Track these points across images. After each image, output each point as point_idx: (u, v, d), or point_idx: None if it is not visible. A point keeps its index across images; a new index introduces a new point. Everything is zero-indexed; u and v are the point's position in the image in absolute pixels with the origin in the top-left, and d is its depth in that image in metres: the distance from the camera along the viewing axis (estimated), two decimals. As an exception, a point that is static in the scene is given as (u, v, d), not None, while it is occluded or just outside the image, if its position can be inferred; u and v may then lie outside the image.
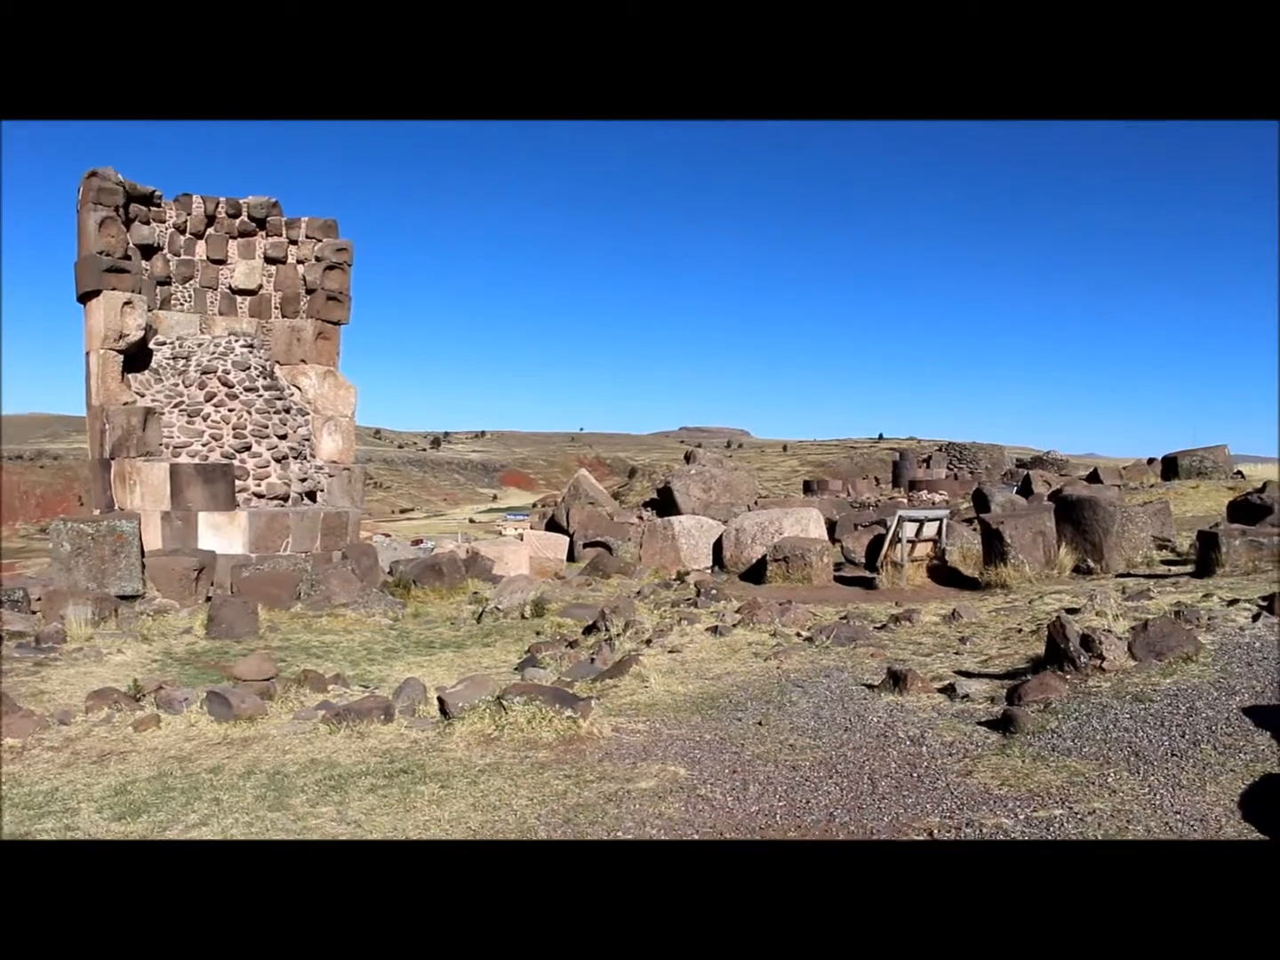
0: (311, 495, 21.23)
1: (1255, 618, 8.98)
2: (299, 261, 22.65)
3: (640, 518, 27.72)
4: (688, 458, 39.32)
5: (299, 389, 22.34)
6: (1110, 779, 5.92)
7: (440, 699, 8.59)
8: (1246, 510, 17.16)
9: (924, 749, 6.92)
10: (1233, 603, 10.04)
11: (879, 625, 11.79)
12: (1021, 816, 5.53)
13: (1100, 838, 5.11)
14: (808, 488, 47.02)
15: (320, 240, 22.60)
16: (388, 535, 42.67)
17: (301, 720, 8.61)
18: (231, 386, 20.46)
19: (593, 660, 11.01)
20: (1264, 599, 9.57)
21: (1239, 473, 32.93)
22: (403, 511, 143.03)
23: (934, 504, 32.33)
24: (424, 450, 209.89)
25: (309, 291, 22.58)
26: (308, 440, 21.70)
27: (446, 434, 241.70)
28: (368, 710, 8.45)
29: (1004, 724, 7.07)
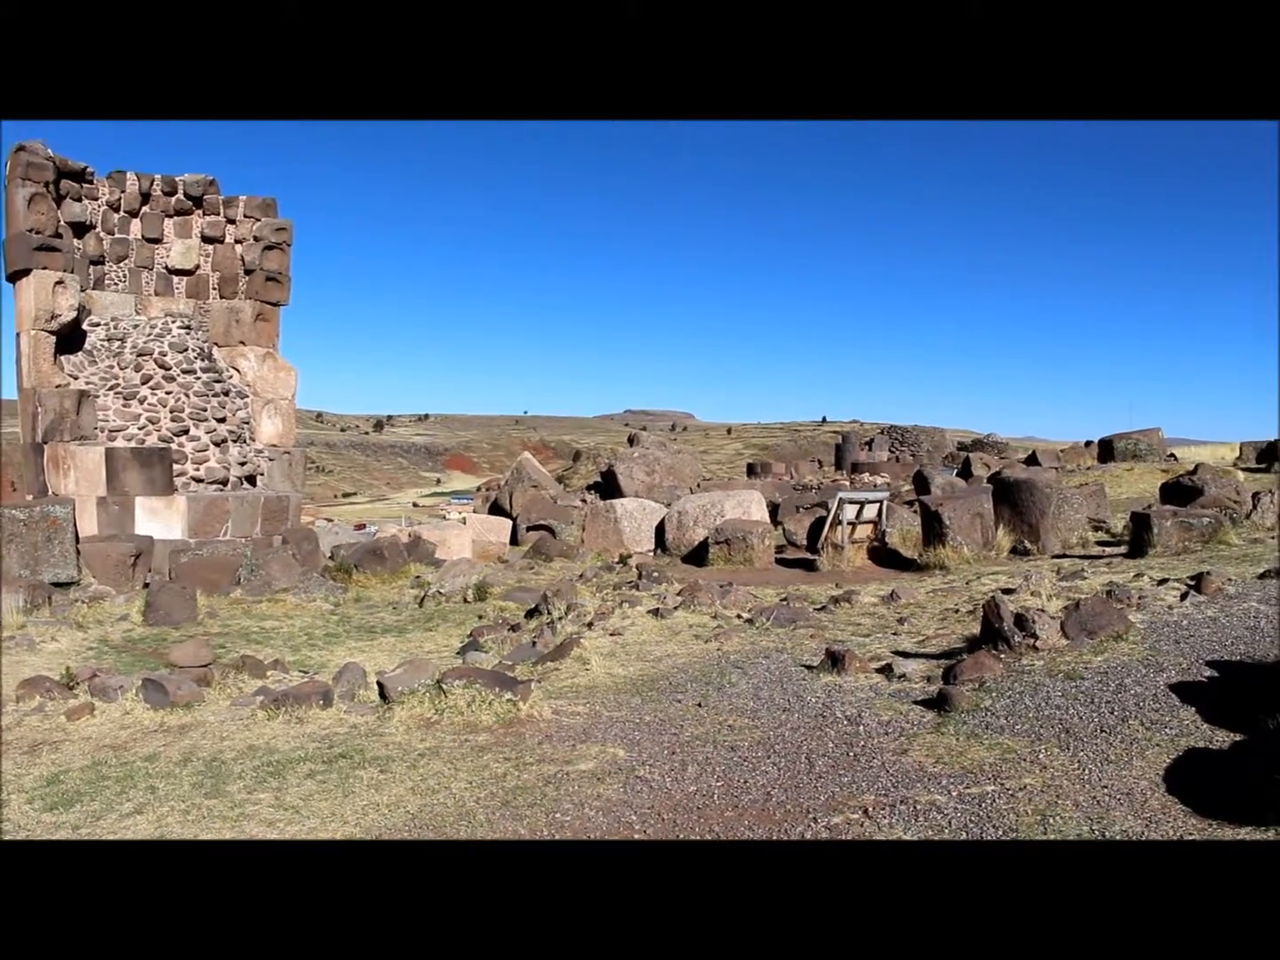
0: (251, 479, 21.01)
1: (1183, 597, 9.17)
2: (237, 241, 22.33)
3: (584, 501, 27.71)
4: (631, 441, 39.35)
5: (238, 371, 22.07)
6: (1041, 755, 6.03)
7: (380, 683, 8.56)
8: (1178, 492, 17.47)
9: (861, 728, 7.00)
10: (1162, 582, 10.24)
11: (819, 607, 11.89)
12: (955, 793, 5.61)
13: (1030, 812, 5.21)
14: (751, 470, 47.19)
15: (259, 219, 22.30)
16: (330, 520, 42.36)
17: (240, 706, 8.55)
18: (169, 369, 20.16)
19: (534, 643, 11.02)
20: (1192, 578, 9.76)
21: (1172, 455, 33.49)
22: (345, 496, 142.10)
23: (875, 486, 32.59)
24: (367, 434, 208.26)
25: (248, 272, 22.28)
26: (247, 423, 21.45)
27: (390, 417, 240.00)
28: (307, 695, 8.41)
29: (939, 703, 7.17)
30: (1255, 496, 15.28)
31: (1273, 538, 13.59)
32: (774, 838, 5.29)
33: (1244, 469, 26.81)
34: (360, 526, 36.80)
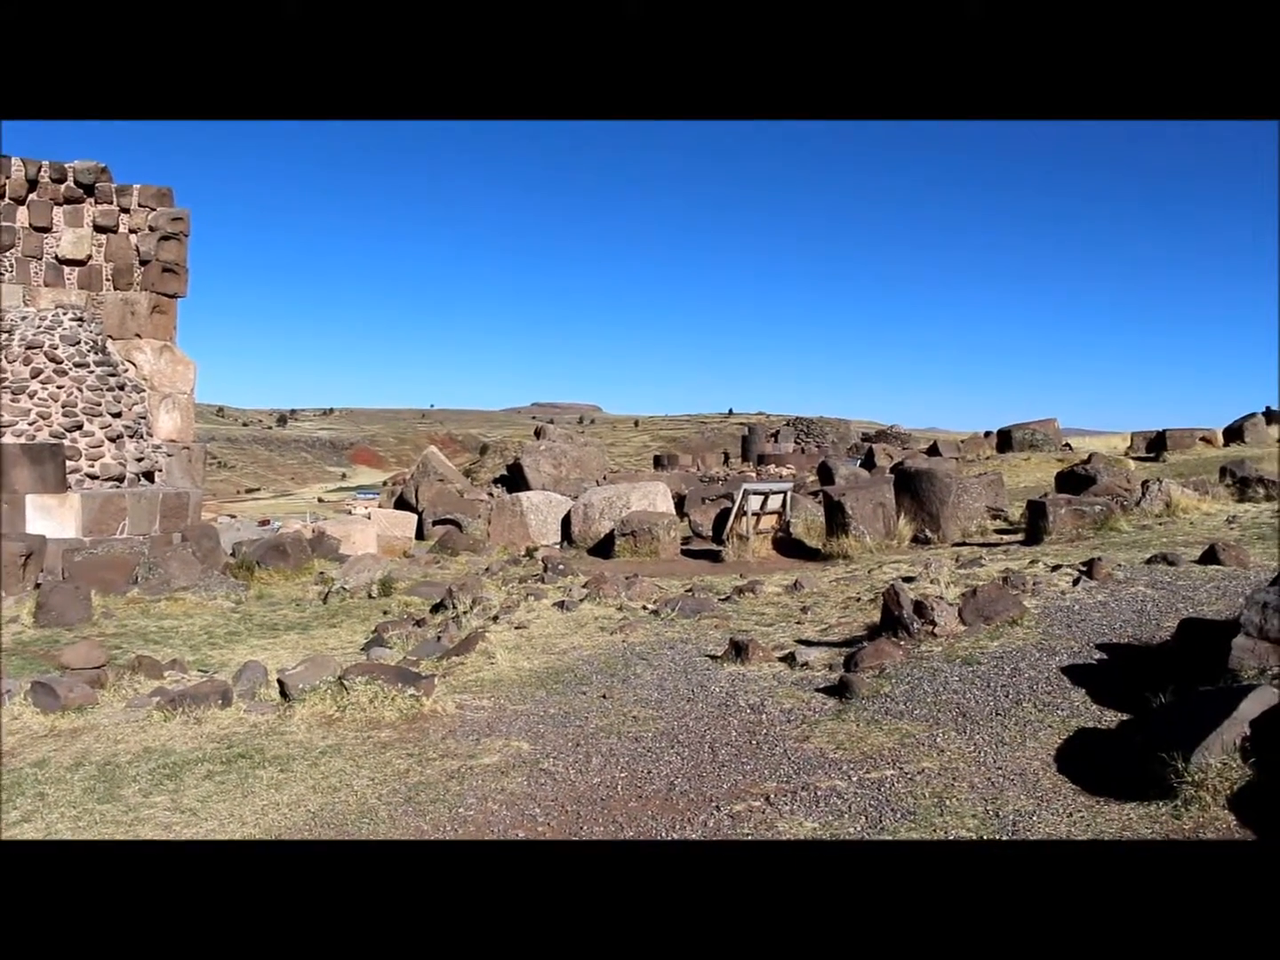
0: (149, 476, 20.50)
1: (1076, 582, 9.40)
2: (132, 231, 21.76)
3: (490, 495, 27.55)
4: (538, 434, 39.22)
5: (134, 365, 21.53)
6: (939, 739, 6.15)
7: (280, 681, 8.44)
8: (1073, 481, 17.90)
9: (764, 716, 7.07)
10: (1056, 568, 10.49)
11: (723, 597, 11.97)
12: (855, 778, 5.70)
13: (927, 795, 5.31)
14: (658, 463, 47.37)
15: (154, 209, 21.76)
16: (233, 516, 41.56)
17: (135, 708, 8.36)
18: (60, 362, 19.58)
19: (439, 638, 10.95)
20: (1084, 564, 10.02)
21: (1067, 445, 34.32)
22: (248, 491, 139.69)
23: (781, 478, 32.90)
24: (270, 428, 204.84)
25: (143, 263, 21.74)
26: (144, 418, 20.93)
27: (293, 411, 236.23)
28: (205, 695, 8.25)
29: (841, 690, 7.27)
30: (1144, 485, 15.70)
31: (1160, 524, 13.99)
32: (677, 826, 5.33)
33: (1135, 458, 27.60)
34: (264, 523, 36.16)
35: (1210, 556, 9.89)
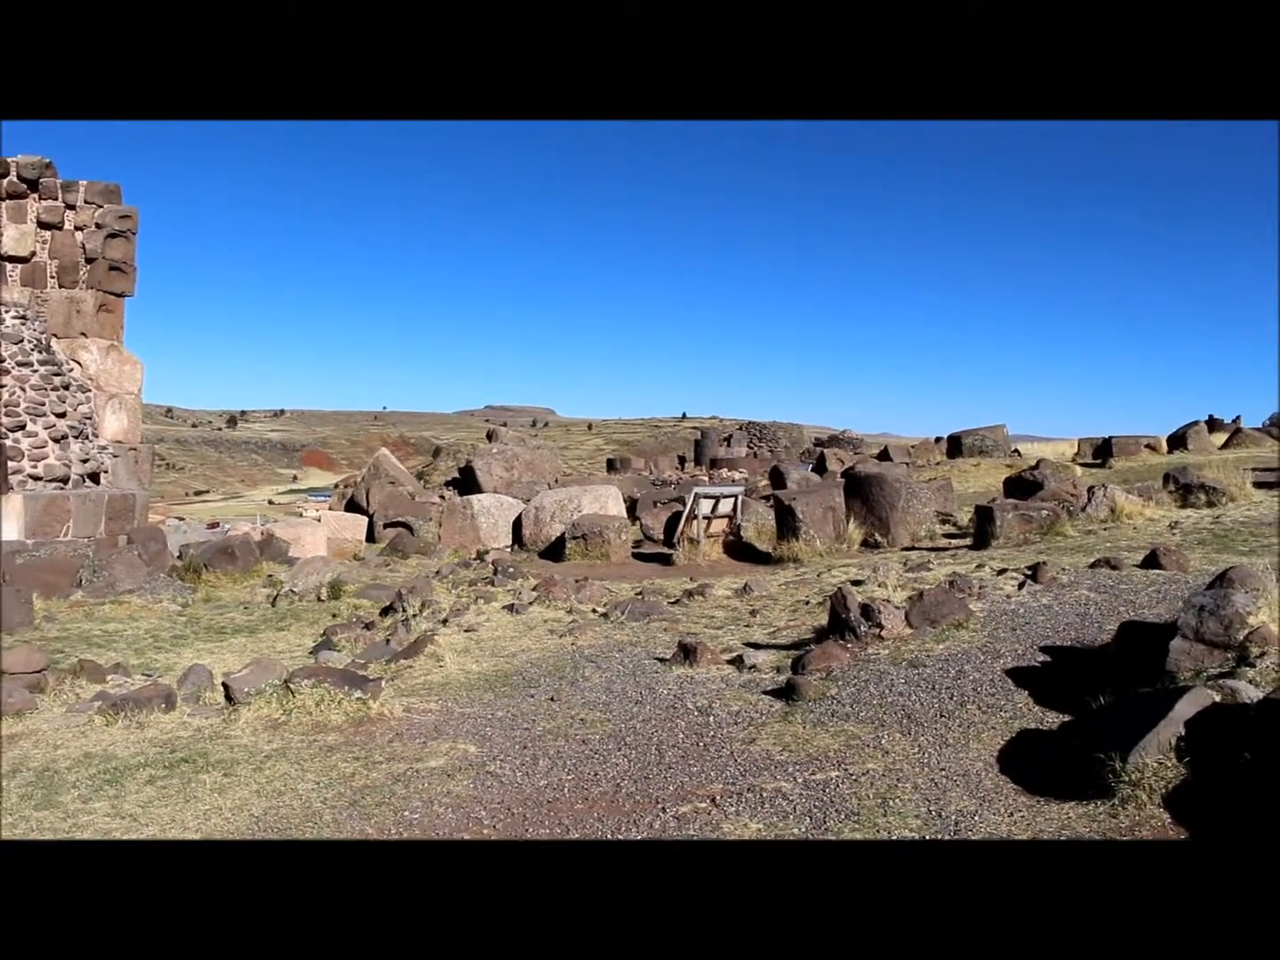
0: (95, 477, 20.22)
1: (1021, 586, 9.51)
2: (78, 228, 21.42)
3: (442, 497, 27.43)
4: (490, 436, 39.14)
5: (79, 364, 21.20)
6: (884, 741, 6.20)
7: (226, 684, 8.35)
8: (1021, 486, 18.09)
9: (711, 719, 7.09)
10: (1002, 572, 10.61)
11: (673, 600, 11.99)
12: (800, 780, 5.73)
13: (871, 796, 5.35)
14: (611, 466, 47.36)
15: (101, 206, 21.42)
16: (181, 519, 41.09)
17: (76, 713, 8.24)
18: (2, 361, 19.28)
19: (388, 641, 10.90)
20: (1030, 568, 10.13)
21: (1016, 451, 34.76)
22: (198, 494, 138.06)
23: (734, 482, 33.01)
24: (220, 429, 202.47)
25: (89, 260, 21.40)
26: (89, 419, 20.63)
27: (244, 412, 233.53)
28: (148, 699, 8.14)
29: (788, 692, 7.30)
30: (1090, 490, 15.91)
31: (1105, 529, 14.18)
32: (623, 828, 5.33)
33: (1082, 464, 27.94)
34: (213, 525, 35.77)
35: (1152, 561, 10.04)
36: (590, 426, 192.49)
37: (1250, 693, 5.11)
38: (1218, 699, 5.08)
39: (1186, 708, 4.95)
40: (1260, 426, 31.82)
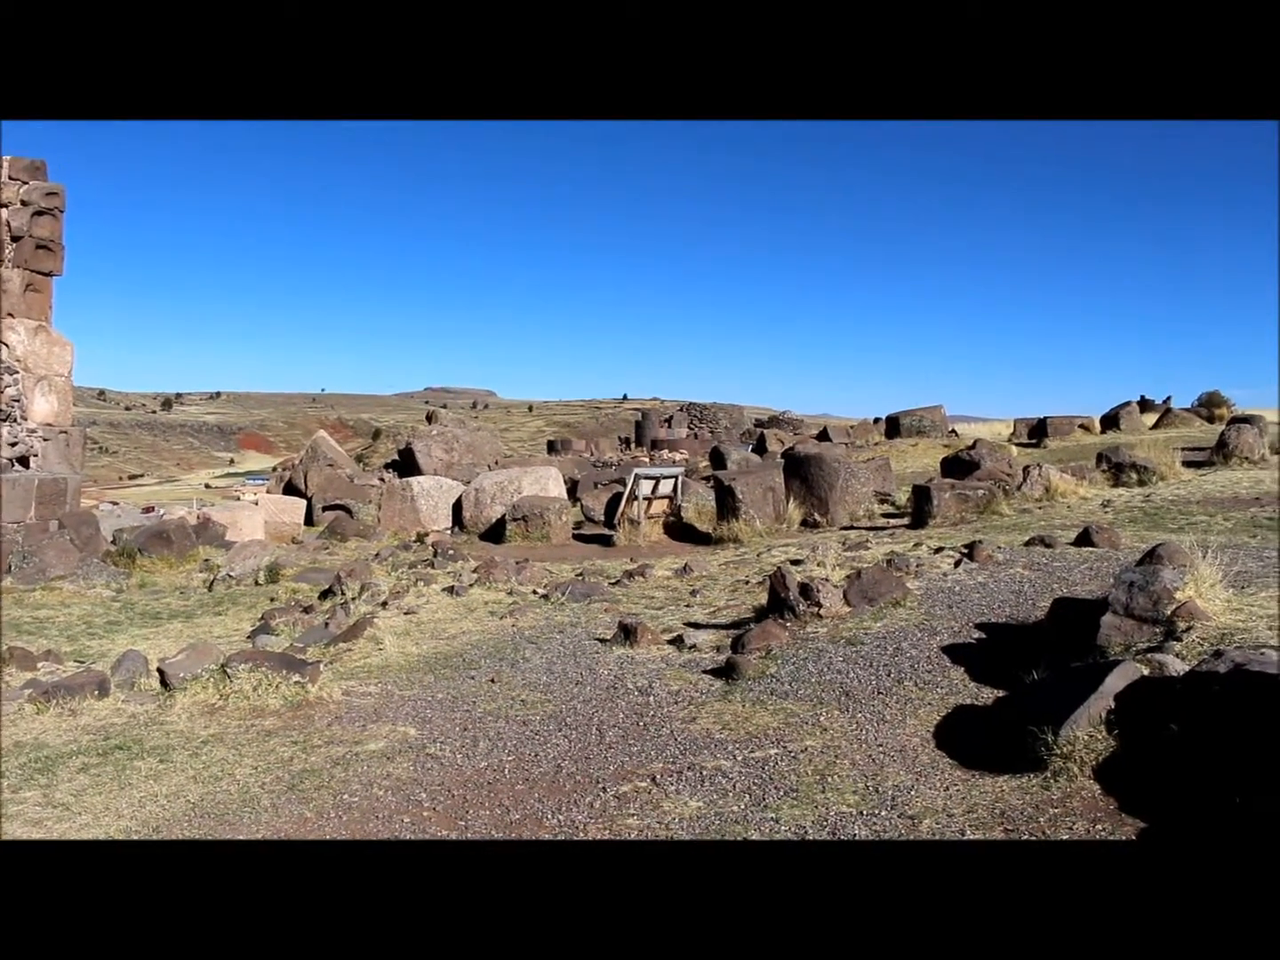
0: (24, 461, 19.81)
1: (957, 564, 9.64)
2: (2, 205, 20.92)
3: (381, 480, 27.24)
4: (430, 419, 38.91)
5: (6, 346, 20.71)
6: (822, 718, 6.25)
7: (161, 670, 8.25)
8: (957, 466, 18.31)
9: (651, 699, 7.12)
10: (939, 550, 10.74)
11: (614, 581, 12.01)
12: (740, 758, 5.77)
13: (810, 773, 5.40)
14: (551, 448, 47.32)
15: (26, 183, 20.89)
16: (115, 503, 40.43)
17: (5, 701, 8.07)
18: (-75, 343, 18.83)
19: (327, 625, 10.82)
20: (966, 547, 10.27)
21: (953, 431, 35.13)
22: (132, 478, 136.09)
23: (675, 463, 33.11)
24: (154, 412, 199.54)
25: (15, 239, 20.87)
26: (17, 401, 20.19)
27: (179, 395, 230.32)
28: (80, 686, 8.01)
29: (727, 671, 7.35)
30: (1026, 470, 16.15)
31: (1040, 508, 14.41)
32: (563, 808, 5.34)
33: (1018, 444, 28.34)
34: (148, 509, 35.27)
35: (1085, 539, 10.22)
36: (531, 408, 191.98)
37: (1177, 666, 5.22)
38: (1146, 672, 5.19)
39: (1116, 681, 5.04)
40: (1189, 407, 32.49)
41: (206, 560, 17.24)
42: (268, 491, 30.00)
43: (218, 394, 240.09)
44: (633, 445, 49.71)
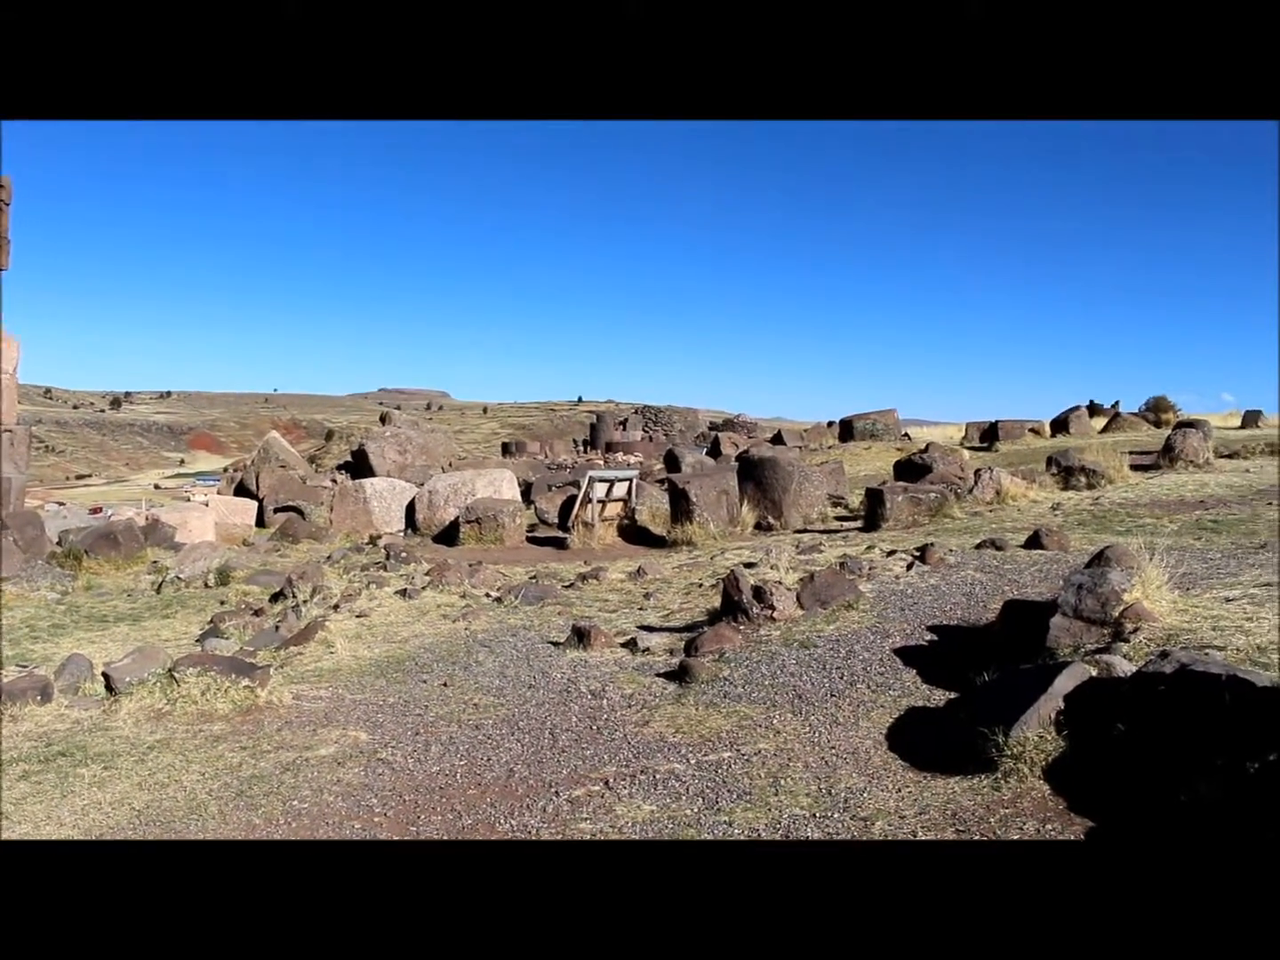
0: (-34, 461, 19.48)
1: (909, 567, 9.70)
2: (-55, 201, 20.57)
3: (334, 481, 27.06)
4: (383, 420, 38.66)
5: (-52, 343, 20.39)
6: (775, 721, 6.26)
7: (106, 674, 8.11)
8: (910, 469, 18.44)
9: (604, 702, 7.10)
10: (891, 553, 10.80)
11: (567, 584, 11.98)
12: (693, 761, 5.77)
13: (763, 776, 5.40)
14: (506, 450, 47.21)
15: (-30, 178, 20.60)
16: (62, 503, 39.81)
17: (-55, 706, 7.92)
18: None
19: (278, 628, 10.69)
20: (918, 550, 10.33)
21: (906, 435, 35.45)
22: (79, 478, 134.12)
23: (629, 465, 33.14)
24: (103, 411, 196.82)
25: (-43, 234, 20.56)
26: (-41, 400, 19.86)
27: (128, 394, 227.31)
28: (22, 691, 7.87)
29: (681, 674, 7.34)
30: (977, 473, 16.29)
31: (991, 511, 14.54)
32: (515, 813, 5.31)
33: (969, 448, 28.59)
34: (96, 510, 34.78)
35: (1035, 541, 10.31)
36: (486, 410, 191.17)
37: (1124, 667, 5.28)
38: (1094, 673, 5.24)
39: (1065, 683, 5.09)
40: (1137, 411, 32.93)
41: (155, 562, 17.01)
42: (219, 493, 29.67)
43: (168, 393, 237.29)
44: (587, 448, 49.67)
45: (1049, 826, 4.34)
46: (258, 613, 12.18)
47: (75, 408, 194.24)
